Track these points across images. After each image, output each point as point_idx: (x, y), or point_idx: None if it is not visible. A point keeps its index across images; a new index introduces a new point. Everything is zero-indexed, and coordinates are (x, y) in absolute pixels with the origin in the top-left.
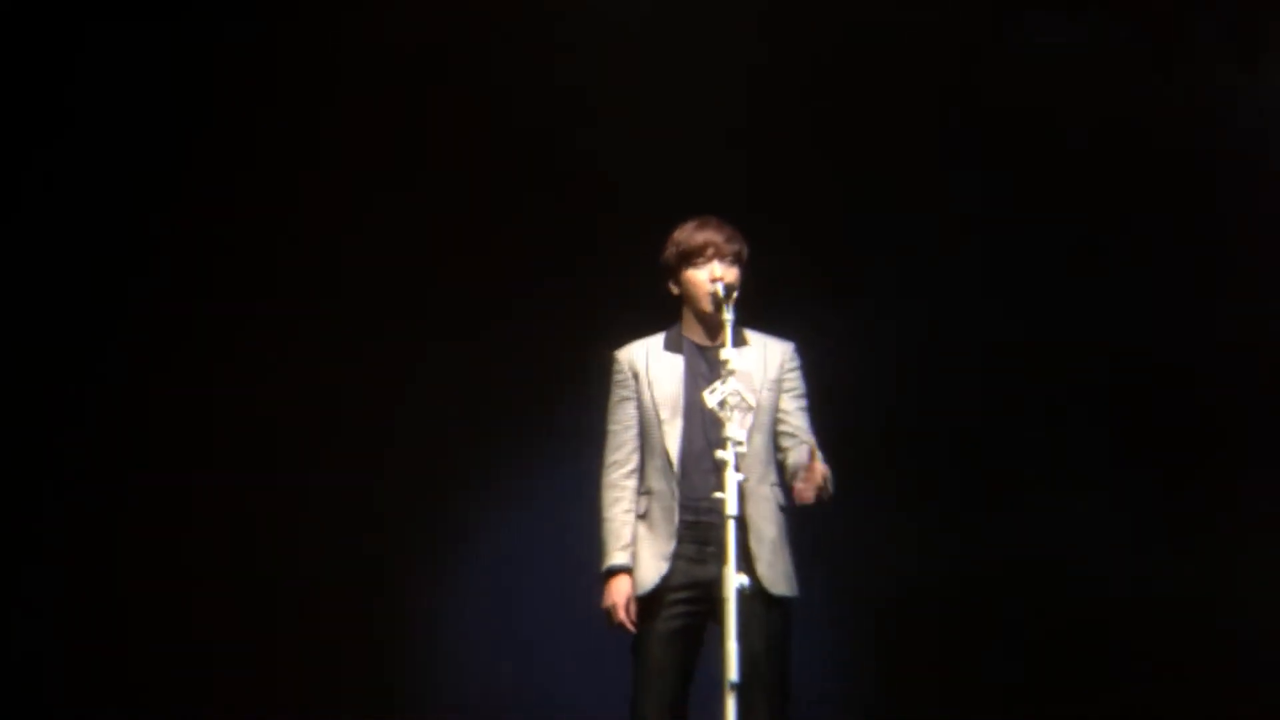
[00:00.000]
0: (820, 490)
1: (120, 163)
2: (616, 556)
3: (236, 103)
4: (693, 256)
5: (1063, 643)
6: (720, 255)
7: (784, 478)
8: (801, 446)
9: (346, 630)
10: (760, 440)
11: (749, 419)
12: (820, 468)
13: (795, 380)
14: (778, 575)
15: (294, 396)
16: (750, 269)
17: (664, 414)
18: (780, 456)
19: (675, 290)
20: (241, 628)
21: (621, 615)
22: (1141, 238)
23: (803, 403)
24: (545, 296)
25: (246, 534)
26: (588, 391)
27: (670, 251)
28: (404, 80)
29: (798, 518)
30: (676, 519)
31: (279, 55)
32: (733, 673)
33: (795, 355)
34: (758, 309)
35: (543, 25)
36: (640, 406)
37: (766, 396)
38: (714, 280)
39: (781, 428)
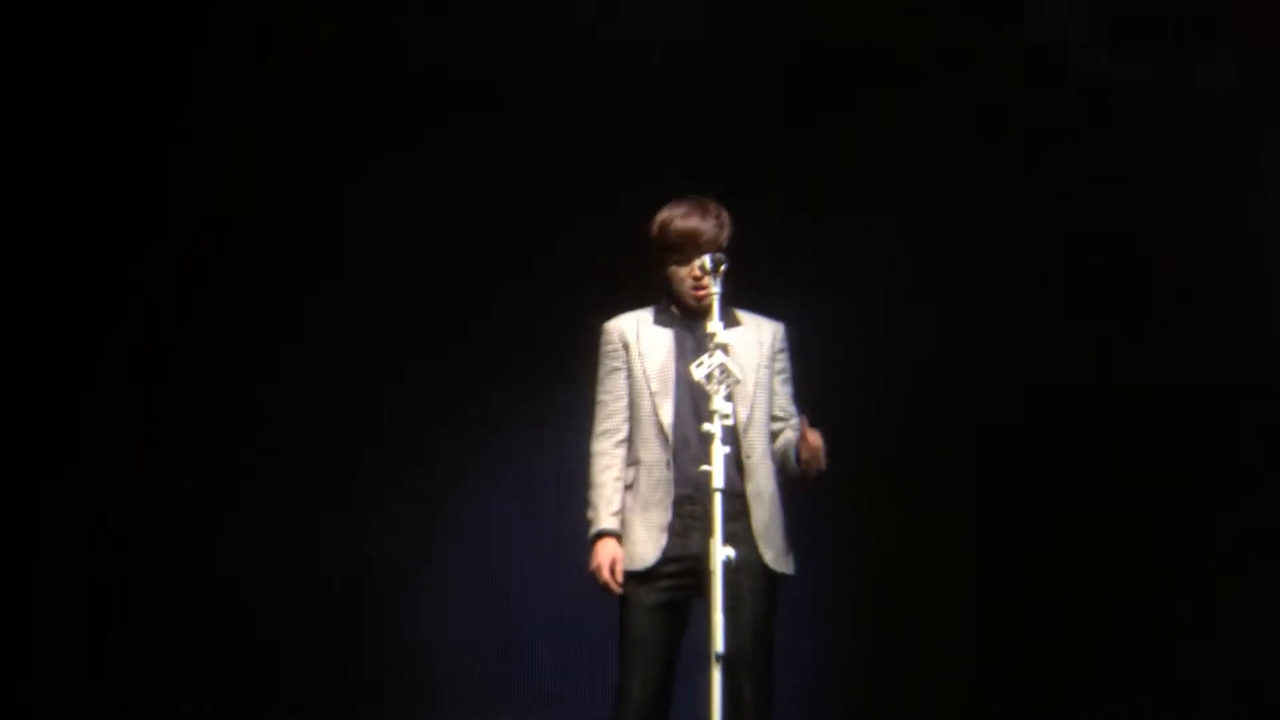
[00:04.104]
0: (815, 458)
1: (117, 163)
2: (607, 521)
3: (236, 102)
4: (677, 251)
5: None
6: (707, 250)
7: (775, 456)
8: (793, 421)
9: (346, 630)
10: (760, 418)
11: (738, 392)
12: (815, 437)
13: (785, 361)
14: (777, 552)
15: (293, 396)
16: (738, 245)
17: (655, 386)
18: (771, 442)
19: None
20: (241, 628)
21: (607, 575)
22: (1144, 230)
23: (789, 387)
24: (540, 284)
25: (243, 533)
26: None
27: (655, 236)
28: (404, 80)
29: (795, 499)
30: (673, 492)
31: (277, 54)
32: (718, 644)
33: (785, 336)
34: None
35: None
36: (631, 377)
37: (764, 375)
38: (697, 285)
39: (772, 410)
